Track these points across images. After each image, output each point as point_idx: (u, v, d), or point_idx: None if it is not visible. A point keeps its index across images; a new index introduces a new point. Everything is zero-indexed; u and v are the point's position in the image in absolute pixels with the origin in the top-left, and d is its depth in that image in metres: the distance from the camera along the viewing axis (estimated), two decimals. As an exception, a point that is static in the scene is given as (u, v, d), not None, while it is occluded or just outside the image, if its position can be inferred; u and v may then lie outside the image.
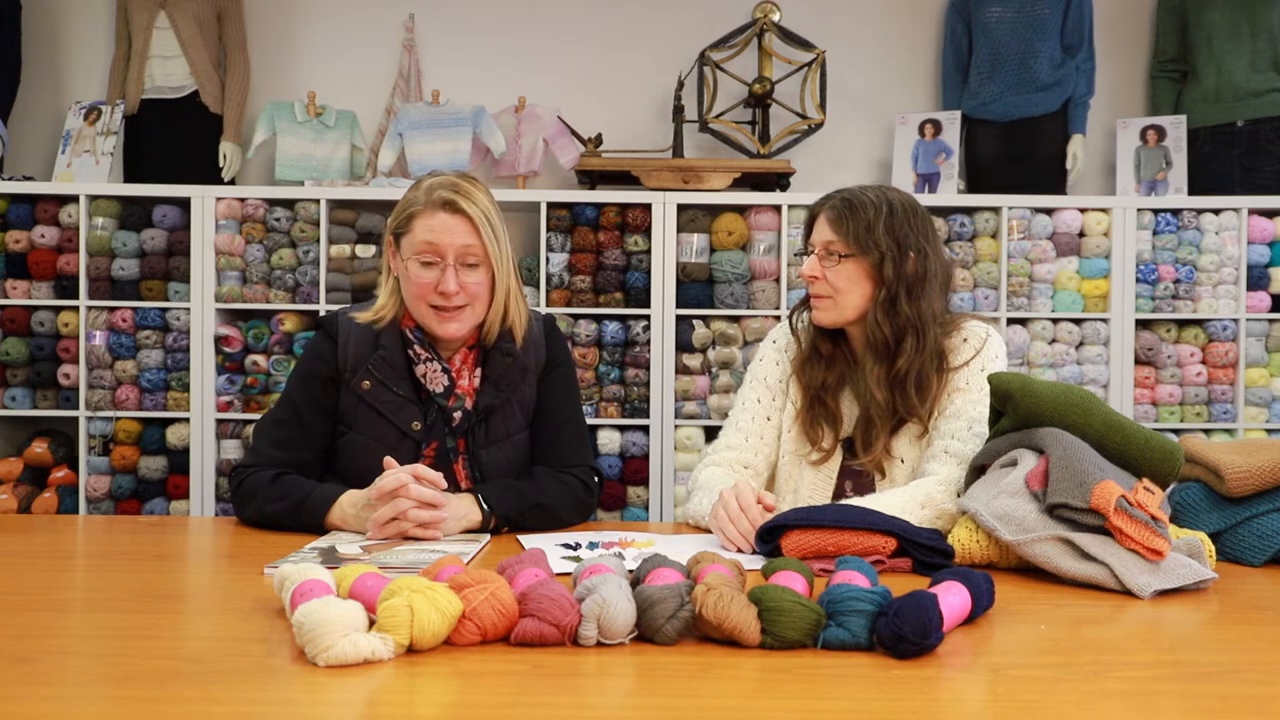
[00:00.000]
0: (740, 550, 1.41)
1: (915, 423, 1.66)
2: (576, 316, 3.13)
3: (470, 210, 1.59)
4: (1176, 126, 3.39)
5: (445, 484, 1.48)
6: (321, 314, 3.04)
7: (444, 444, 1.67)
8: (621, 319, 3.14)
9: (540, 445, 1.73)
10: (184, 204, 3.15)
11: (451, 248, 1.59)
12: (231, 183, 3.47)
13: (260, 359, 3.10)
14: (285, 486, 1.56)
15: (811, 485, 1.73)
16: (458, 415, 1.66)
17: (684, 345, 3.14)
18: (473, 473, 1.68)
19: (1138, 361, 3.19)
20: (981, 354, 1.67)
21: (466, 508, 1.53)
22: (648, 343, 3.12)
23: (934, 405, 1.66)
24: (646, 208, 3.12)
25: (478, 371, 1.69)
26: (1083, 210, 3.19)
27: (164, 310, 3.12)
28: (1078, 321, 3.20)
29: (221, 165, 3.46)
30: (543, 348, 1.74)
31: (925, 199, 3.21)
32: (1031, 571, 1.27)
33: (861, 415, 1.69)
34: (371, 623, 0.95)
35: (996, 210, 3.17)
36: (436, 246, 1.59)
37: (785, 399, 1.80)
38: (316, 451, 1.68)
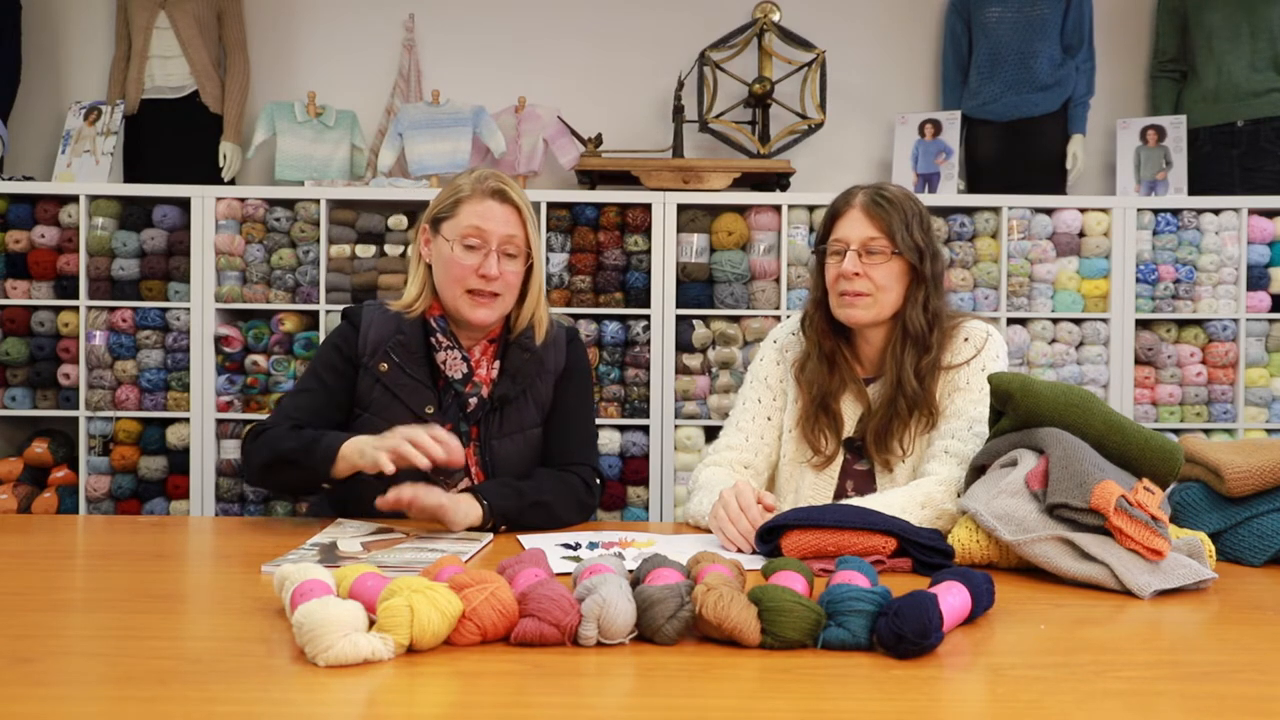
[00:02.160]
0: (740, 550, 1.41)
1: (922, 416, 1.67)
2: (576, 316, 3.13)
3: (519, 201, 1.67)
4: (1176, 126, 3.39)
5: (461, 448, 1.51)
6: (322, 314, 3.07)
7: (458, 428, 1.69)
8: (621, 319, 3.14)
9: (548, 447, 1.77)
10: (184, 204, 3.15)
11: (496, 234, 1.64)
12: (231, 183, 3.47)
13: (260, 359, 3.10)
14: (303, 432, 1.59)
15: (813, 485, 1.73)
16: (473, 401, 1.69)
17: (684, 345, 3.14)
18: (484, 460, 1.70)
19: (1138, 361, 3.18)
20: (982, 354, 1.68)
21: (468, 507, 1.54)
22: (648, 343, 3.12)
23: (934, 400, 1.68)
24: (646, 208, 3.12)
25: (496, 364, 1.73)
26: (1083, 210, 3.19)
27: (164, 310, 3.12)
28: (1078, 321, 3.19)
29: (221, 165, 3.46)
30: (564, 353, 1.78)
31: (925, 199, 3.20)
32: (1031, 571, 1.27)
33: (882, 411, 1.69)
34: (371, 623, 0.95)
35: (996, 210, 3.17)
36: (483, 231, 1.64)
37: (786, 399, 1.80)
38: (338, 421, 1.70)
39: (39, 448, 3.13)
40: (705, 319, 3.14)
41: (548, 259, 3.13)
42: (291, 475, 1.56)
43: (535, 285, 1.71)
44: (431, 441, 1.45)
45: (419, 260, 1.72)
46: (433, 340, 1.70)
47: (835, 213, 1.74)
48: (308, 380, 1.72)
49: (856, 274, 1.67)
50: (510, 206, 1.66)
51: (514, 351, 1.72)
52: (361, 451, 1.50)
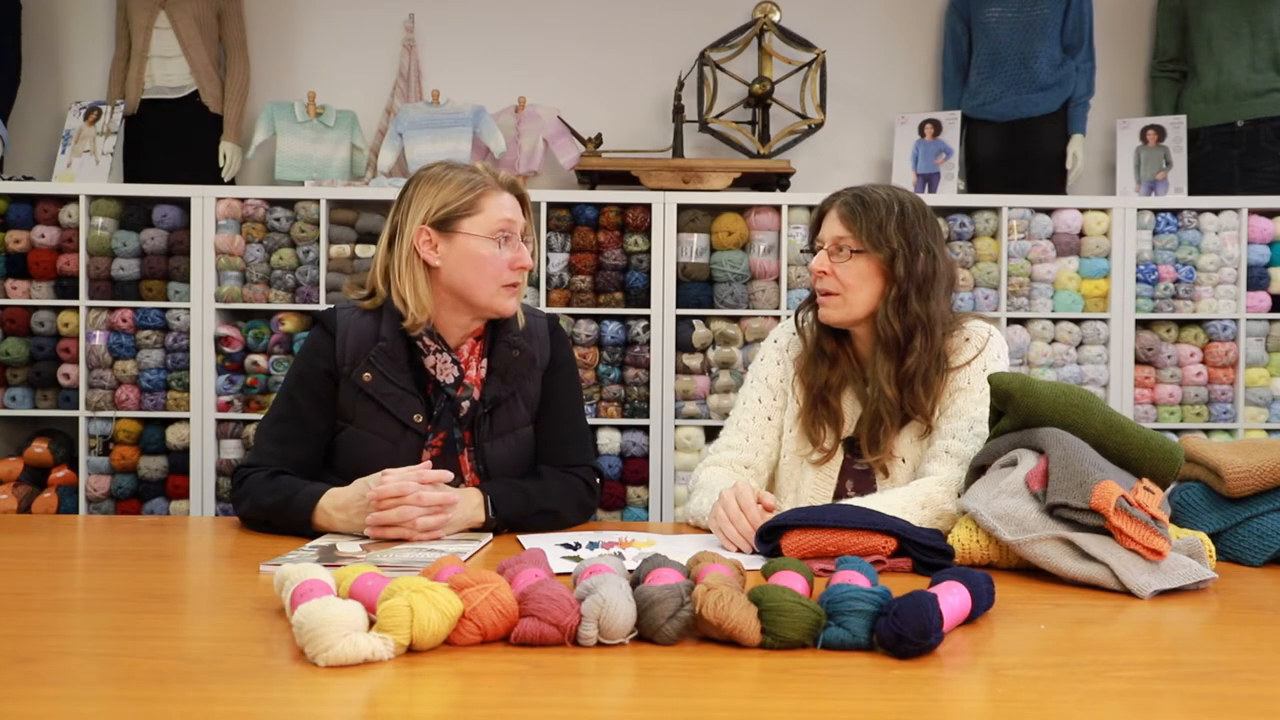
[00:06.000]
0: (740, 550, 1.41)
1: (919, 421, 1.66)
2: (576, 316, 3.13)
3: (525, 194, 1.71)
4: (1176, 126, 3.39)
5: (451, 476, 1.49)
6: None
7: (451, 434, 1.67)
8: (621, 319, 3.14)
9: (543, 443, 1.73)
10: (184, 204, 3.15)
11: (519, 225, 1.67)
12: (231, 183, 3.47)
13: (260, 359, 3.10)
14: (278, 483, 1.55)
15: (813, 485, 1.73)
16: (465, 405, 1.66)
17: (684, 345, 3.14)
18: (478, 465, 1.68)
19: (1138, 361, 3.18)
20: (983, 354, 1.67)
21: (472, 510, 1.53)
22: (648, 343, 3.12)
23: (935, 404, 1.66)
24: (646, 208, 3.12)
25: (484, 363, 1.70)
26: (1083, 210, 3.19)
27: (164, 310, 3.12)
28: (1078, 321, 3.19)
29: (221, 165, 3.46)
30: (547, 346, 1.75)
31: (925, 199, 3.21)
32: (1031, 571, 1.27)
33: (868, 413, 1.68)
34: (371, 623, 0.95)
35: (996, 210, 3.17)
36: (513, 224, 1.65)
37: (786, 399, 1.79)
38: (316, 448, 1.67)
39: (39, 448, 3.13)
40: (705, 319, 3.14)
41: (548, 259, 3.13)
42: (276, 528, 1.53)
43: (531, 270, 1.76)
44: (409, 507, 1.42)
45: (417, 265, 1.62)
46: (420, 344, 1.65)
47: (820, 213, 1.75)
48: (283, 405, 1.67)
49: (824, 272, 1.68)
50: (520, 199, 1.69)
51: (501, 349, 1.68)
52: (331, 524, 1.48)
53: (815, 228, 1.75)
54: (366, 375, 1.63)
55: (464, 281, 1.63)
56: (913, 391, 1.65)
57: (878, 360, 1.67)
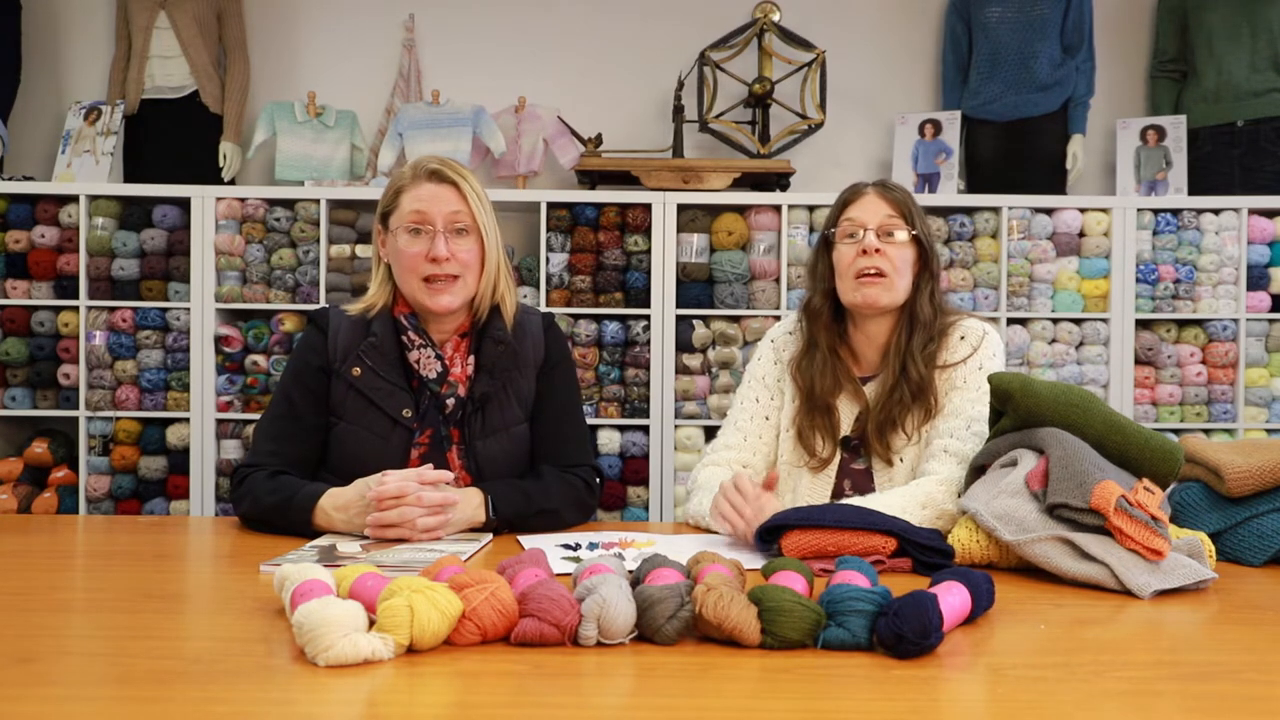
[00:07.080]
0: (744, 533, 1.41)
1: (920, 413, 1.66)
2: (576, 316, 3.13)
3: (456, 179, 1.64)
4: (1176, 126, 3.39)
5: (452, 477, 1.49)
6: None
7: (438, 432, 1.66)
8: (621, 319, 3.14)
9: (541, 444, 1.72)
10: (184, 204, 3.15)
11: (440, 214, 1.62)
12: (231, 183, 3.47)
13: (260, 359, 3.10)
14: (279, 483, 1.56)
15: (810, 484, 1.73)
16: (450, 402, 1.65)
17: (684, 345, 3.14)
18: (468, 463, 1.67)
19: (1138, 361, 3.18)
20: (979, 352, 1.68)
21: (473, 510, 1.53)
22: (648, 343, 3.12)
23: (934, 397, 1.68)
24: (646, 208, 3.12)
25: (471, 360, 1.69)
26: (1083, 210, 3.19)
27: (164, 310, 3.12)
28: (1078, 321, 3.19)
29: (221, 165, 3.46)
30: (541, 344, 1.74)
31: (925, 199, 3.22)
32: (1031, 571, 1.27)
33: (885, 401, 1.68)
34: (371, 623, 0.95)
35: (996, 210, 3.17)
36: (425, 214, 1.62)
37: (783, 398, 1.79)
38: (313, 445, 1.67)
39: (39, 448, 3.13)
40: (705, 319, 3.14)
41: (548, 259, 3.13)
42: (276, 528, 1.53)
43: (490, 262, 1.66)
44: (410, 507, 1.42)
45: (379, 262, 1.70)
46: (404, 339, 1.66)
47: (846, 200, 1.75)
48: (280, 404, 1.68)
49: (878, 250, 1.68)
50: (448, 185, 1.63)
51: (487, 345, 1.67)
52: (331, 524, 1.48)
53: (839, 213, 1.75)
54: (356, 370, 1.64)
55: (398, 278, 1.66)
56: (928, 375, 1.68)
57: (912, 344, 1.68)
